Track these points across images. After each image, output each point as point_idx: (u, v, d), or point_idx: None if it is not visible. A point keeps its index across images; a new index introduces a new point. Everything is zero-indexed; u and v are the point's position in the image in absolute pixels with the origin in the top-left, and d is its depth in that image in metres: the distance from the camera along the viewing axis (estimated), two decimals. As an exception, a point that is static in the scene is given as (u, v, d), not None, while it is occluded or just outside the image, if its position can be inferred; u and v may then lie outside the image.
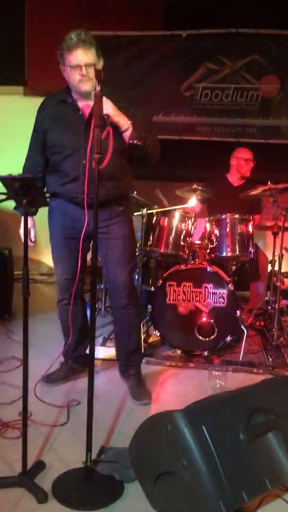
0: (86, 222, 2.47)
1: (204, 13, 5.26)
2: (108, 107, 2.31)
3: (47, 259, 5.70)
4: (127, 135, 2.42)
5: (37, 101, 2.71)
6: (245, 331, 3.45)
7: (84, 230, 2.49)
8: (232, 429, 1.76)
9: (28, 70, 5.71)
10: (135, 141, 2.40)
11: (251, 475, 1.73)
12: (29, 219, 2.50)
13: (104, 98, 2.26)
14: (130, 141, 2.41)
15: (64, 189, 2.56)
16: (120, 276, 2.68)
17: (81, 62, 2.37)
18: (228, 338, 3.37)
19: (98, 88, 1.91)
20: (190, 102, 5.47)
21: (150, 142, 2.49)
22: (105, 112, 2.23)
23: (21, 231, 2.63)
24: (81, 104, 2.52)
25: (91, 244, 2.64)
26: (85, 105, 2.51)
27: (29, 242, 2.59)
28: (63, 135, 2.52)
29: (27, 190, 1.82)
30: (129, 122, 2.40)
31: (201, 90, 5.43)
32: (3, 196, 1.84)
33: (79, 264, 2.68)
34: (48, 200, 2.59)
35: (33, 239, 2.59)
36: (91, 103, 2.38)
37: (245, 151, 4.30)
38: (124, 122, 2.40)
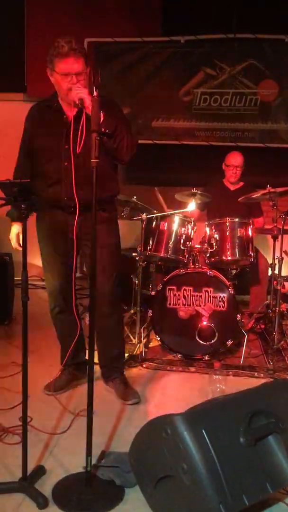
0: (74, 226, 2.43)
1: (202, 18, 5.30)
2: (82, 91, 2.25)
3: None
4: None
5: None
6: (246, 335, 3.45)
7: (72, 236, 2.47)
8: (232, 432, 1.76)
9: (28, 77, 5.75)
10: (103, 129, 2.29)
11: (251, 479, 1.72)
12: (20, 224, 2.52)
13: (79, 86, 2.27)
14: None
15: (48, 193, 2.53)
16: (104, 285, 2.62)
17: (72, 71, 2.33)
18: (229, 342, 3.37)
19: (96, 92, 1.92)
20: (189, 107, 5.50)
21: (121, 131, 2.41)
22: (79, 96, 2.22)
23: (12, 235, 2.67)
24: (67, 110, 2.49)
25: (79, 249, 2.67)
26: (71, 110, 2.46)
27: (18, 246, 2.62)
28: (45, 139, 2.51)
29: (25, 195, 1.83)
30: (100, 111, 2.27)
31: (200, 95, 5.46)
32: (2, 202, 1.85)
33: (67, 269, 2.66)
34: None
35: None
36: (76, 109, 2.37)
37: (234, 158, 4.28)
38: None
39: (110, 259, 2.65)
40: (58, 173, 2.49)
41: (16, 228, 2.69)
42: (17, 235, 2.69)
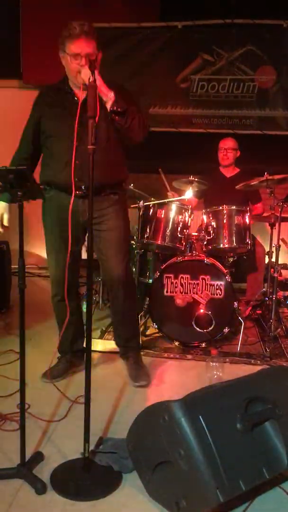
0: (86, 212, 2.35)
1: (200, 3, 5.23)
2: (88, 73, 2.18)
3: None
4: (109, 105, 2.38)
5: (33, 94, 2.72)
6: (243, 322, 3.46)
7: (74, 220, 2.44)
8: (229, 418, 1.76)
9: (24, 63, 5.69)
10: (115, 107, 2.35)
11: (248, 464, 1.74)
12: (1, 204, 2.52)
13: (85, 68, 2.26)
14: (111, 108, 2.36)
15: (58, 176, 2.53)
16: (117, 269, 2.67)
17: (82, 52, 2.37)
18: (226, 330, 3.38)
19: (92, 78, 1.90)
20: (186, 94, 5.46)
21: (133, 113, 2.44)
22: (87, 76, 2.17)
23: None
24: (77, 93, 2.51)
25: (86, 236, 2.66)
26: (81, 94, 2.47)
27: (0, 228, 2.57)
28: (57, 120, 2.54)
29: (22, 182, 1.81)
30: (111, 92, 2.37)
31: (197, 82, 5.42)
32: (-2, 189, 1.84)
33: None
34: (44, 191, 2.57)
35: (6, 224, 2.57)
36: (85, 92, 2.36)
37: (223, 141, 4.32)
38: (105, 91, 2.36)
39: (121, 242, 2.68)
40: (69, 154, 2.46)
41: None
42: (1, 215, 2.59)
